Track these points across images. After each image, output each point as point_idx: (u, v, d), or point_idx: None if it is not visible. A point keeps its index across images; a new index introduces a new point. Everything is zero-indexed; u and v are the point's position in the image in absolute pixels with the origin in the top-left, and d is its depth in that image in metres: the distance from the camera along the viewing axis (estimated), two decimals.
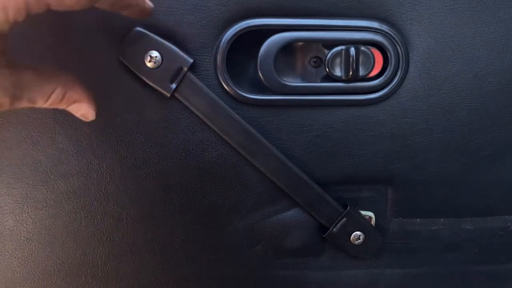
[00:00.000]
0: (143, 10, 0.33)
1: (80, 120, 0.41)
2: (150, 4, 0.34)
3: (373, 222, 0.48)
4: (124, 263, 0.47)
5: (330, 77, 0.42)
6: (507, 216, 0.51)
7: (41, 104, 0.32)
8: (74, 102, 0.33)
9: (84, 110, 0.35)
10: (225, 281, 0.49)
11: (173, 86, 0.39)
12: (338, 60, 0.41)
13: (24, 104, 0.30)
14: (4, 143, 0.41)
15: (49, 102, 0.32)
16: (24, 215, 0.44)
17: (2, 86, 0.28)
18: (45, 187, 0.43)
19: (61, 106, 0.33)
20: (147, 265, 0.47)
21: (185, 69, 0.39)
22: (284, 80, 0.41)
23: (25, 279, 0.46)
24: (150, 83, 0.39)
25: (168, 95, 0.40)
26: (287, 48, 0.43)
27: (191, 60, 0.39)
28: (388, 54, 0.41)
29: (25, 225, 0.44)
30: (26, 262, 0.46)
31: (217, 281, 0.49)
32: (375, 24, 0.40)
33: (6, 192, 0.43)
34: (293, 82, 0.42)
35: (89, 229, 0.45)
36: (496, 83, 0.43)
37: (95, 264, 0.46)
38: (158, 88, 0.39)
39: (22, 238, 0.45)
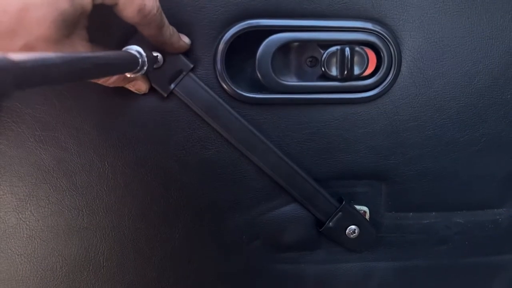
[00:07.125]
0: (178, 47, 0.38)
1: (82, 119, 0.42)
2: (187, 41, 0.39)
3: (367, 216, 0.50)
4: (126, 259, 0.47)
5: (326, 76, 0.43)
6: (496, 210, 0.52)
7: (104, 81, 0.37)
8: (131, 80, 0.39)
9: (138, 85, 0.40)
10: (224, 275, 0.50)
11: (172, 86, 0.40)
12: (333, 60, 0.42)
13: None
14: (7, 142, 0.42)
15: (112, 80, 0.37)
16: (27, 213, 0.44)
17: None
18: (48, 185, 0.44)
19: (121, 84, 0.38)
20: (148, 261, 0.48)
21: (185, 73, 0.40)
22: (281, 79, 0.42)
23: (28, 275, 0.47)
24: (151, 83, 0.40)
25: (165, 95, 0.41)
26: (284, 48, 0.44)
27: (191, 65, 0.40)
28: (381, 54, 0.43)
29: (28, 222, 0.45)
30: (29, 259, 0.46)
31: (216, 275, 0.50)
32: (368, 25, 0.41)
33: (9, 190, 0.43)
34: (290, 81, 0.43)
35: (91, 226, 0.46)
36: (484, 81, 0.45)
37: (97, 261, 0.47)
38: (158, 88, 0.40)
39: (25, 235, 0.45)
